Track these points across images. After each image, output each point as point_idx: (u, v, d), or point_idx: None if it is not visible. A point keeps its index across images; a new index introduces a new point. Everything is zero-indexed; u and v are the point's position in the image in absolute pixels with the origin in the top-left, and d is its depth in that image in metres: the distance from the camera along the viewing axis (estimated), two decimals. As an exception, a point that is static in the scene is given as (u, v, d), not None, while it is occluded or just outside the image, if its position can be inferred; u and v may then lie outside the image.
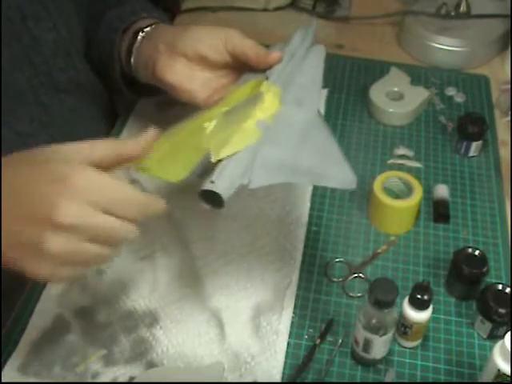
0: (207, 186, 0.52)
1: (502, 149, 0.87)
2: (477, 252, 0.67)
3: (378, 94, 0.91)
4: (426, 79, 0.99)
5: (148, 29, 0.71)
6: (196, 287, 0.68)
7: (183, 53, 0.66)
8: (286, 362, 0.62)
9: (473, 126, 0.83)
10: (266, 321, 0.65)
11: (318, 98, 0.65)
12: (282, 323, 0.65)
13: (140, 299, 0.67)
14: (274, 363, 0.62)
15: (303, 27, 0.70)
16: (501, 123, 0.91)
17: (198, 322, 0.65)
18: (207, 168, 0.54)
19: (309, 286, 0.69)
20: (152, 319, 0.65)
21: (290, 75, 0.64)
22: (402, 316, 0.62)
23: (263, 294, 0.67)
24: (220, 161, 0.54)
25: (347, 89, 0.97)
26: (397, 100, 0.91)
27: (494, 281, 0.68)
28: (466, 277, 0.66)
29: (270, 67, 0.64)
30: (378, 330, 0.58)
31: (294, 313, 0.66)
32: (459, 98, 0.95)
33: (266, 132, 0.58)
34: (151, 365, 0.62)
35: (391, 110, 0.89)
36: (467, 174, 0.83)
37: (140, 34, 0.71)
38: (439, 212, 0.77)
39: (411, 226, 0.76)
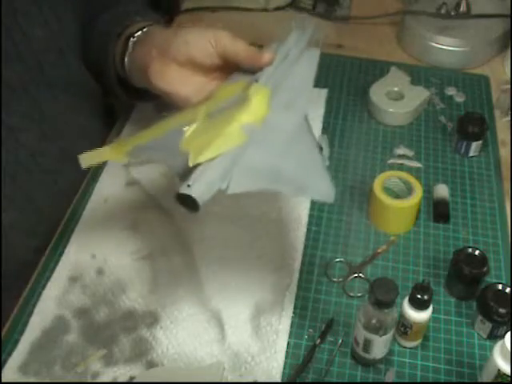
0: (183, 189, 0.51)
1: (502, 149, 0.87)
2: (477, 252, 0.67)
3: (378, 93, 0.91)
4: (425, 79, 0.99)
5: (139, 33, 0.70)
6: (196, 287, 0.68)
7: (175, 58, 0.65)
8: (286, 362, 0.62)
9: (473, 125, 0.83)
10: (266, 321, 0.65)
11: (307, 102, 0.63)
12: (281, 323, 0.65)
13: (140, 299, 0.67)
14: (274, 363, 0.62)
15: (300, 27, 0.69)
16: (501, 123, 0.91)
17: (198, 322, 0.65)
18: (188, 170, 0.53)
19: (309, 286, 0.69)
20: (152, 319, 0.65)
21: (281, 77, 0.63)
22: (402, 316, 0.62)
23: (263, 294, 0.67)
24: (199, 164, 0.53)
25: (347, 89, 0.97)
26: (397, 100, 0.91)
27: (493, 281, 0.68)
28: (466, 277, 0.66)
29: (261, 68, 0.63)
30: (378, 329, 0.58)
31: (293, 313, 0.66)
32: (459, 98, 0.95)
33: (251, 136, 0.56)
34: (151, 365, 0.62)
35: (391, 109, 0.89)
36: (467, 174, 0.83)
37: (131, 39, 0.70)
38: (439, 212, 0.77)
39: (411, 225, 0.76)
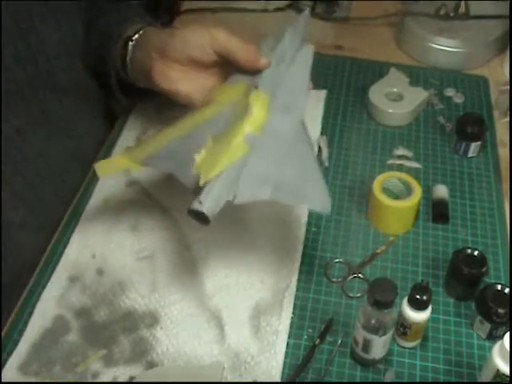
0: (195, 205, 0.54)
1: (501, 149, 0.87)
2: (476, 252, 0.67)
3: (377, 94, 0.91)
4: (425, 80, 0.99)
5: (136, 36, 0.72)
6: (196, 287, 0.68)
7: (174, 58, 0.67)
8: (285, 362, 0.62)
9: (472, 126, 0.83)
10: (266, 321, 0.65)
11: (305, 102, 0.65)
12: (281, 323, 0.65)
13: (140, 299, 0.67)
14: (274, 363, 0.62)
15: (294, 24, 0.70)
16: (500, 124, 0.91)
17: (198, 322, 0.65)
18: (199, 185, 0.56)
19: (308, 287, 0.69)
20: (152, 319, 0.65)
21: (279, 79, 0.65)
22: (401, 316, 0.62)
23: (263, 294, 0.68)
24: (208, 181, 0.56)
25: (347, 89, 0.97)
26: (396, 101, 0.91)
27: (493, 281, 0.68)
28: (465, 277, 0.66)
29: (259, 71, 0.65)
30: (377, 330, 0.58)
31: (293, 313, 0.66)
32: (458, 99, 0.95)
33: (252, 145, 0.59)
34: (151, 365, 0.62)
35: (390, 110, 0.90)
36: (466, 175, 0.83)
37: (130, 43, 0.71)
38: (438, 212, 0.77)
39: (410, 226, 0.76)
